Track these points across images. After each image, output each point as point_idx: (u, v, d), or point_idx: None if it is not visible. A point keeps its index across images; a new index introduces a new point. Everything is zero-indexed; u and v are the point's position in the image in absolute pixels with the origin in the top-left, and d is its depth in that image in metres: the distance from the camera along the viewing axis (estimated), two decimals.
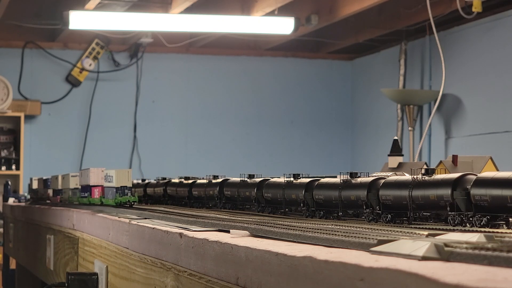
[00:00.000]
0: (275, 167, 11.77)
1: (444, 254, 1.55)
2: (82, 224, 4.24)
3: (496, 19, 9.54)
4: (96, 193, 4.39)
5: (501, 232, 2.04)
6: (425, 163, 3.46)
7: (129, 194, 4.05)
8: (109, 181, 4.20)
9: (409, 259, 1.56)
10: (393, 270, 1.44)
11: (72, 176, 5.06)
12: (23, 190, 10.45)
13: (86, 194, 4.55)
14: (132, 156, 11.76)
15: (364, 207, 2.66)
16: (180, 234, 2.51)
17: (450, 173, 2.49)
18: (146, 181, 4.97)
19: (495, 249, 1.48)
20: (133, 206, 4.06)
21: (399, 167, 3.66)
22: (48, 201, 5.96)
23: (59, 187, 5.50)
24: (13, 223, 7.21)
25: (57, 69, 11.57)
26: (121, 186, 4.07)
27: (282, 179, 3.23)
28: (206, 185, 3.94)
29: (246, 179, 3.58)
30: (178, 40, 11.54)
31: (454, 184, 2.28)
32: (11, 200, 7.92)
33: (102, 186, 4.35)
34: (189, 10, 9.81)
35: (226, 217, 2.97)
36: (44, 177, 6.25)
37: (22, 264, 6.95)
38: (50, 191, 5.92)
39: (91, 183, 4.44)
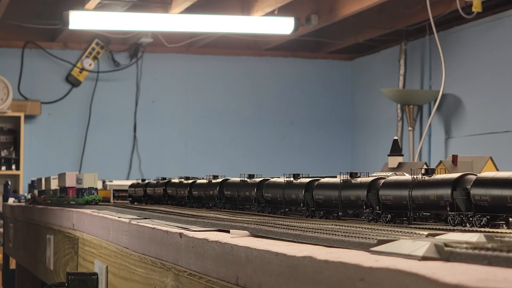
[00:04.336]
0: (275, 167, 11.76)
1: (444, 254, 1.55)
2: (82, 224, 4.25)
3: (496, 19, 9.54)
4: (71, 193, 5.10)
5: (501, 232, 2.04)
6: (425, 163, 3.46)
7: (95, 193, 4.87)
8: (80, 183, 4.95)
9: (409, 259, 1.56)
10: (393, 270, 1.44)
11: (52, 178, 5.78)
12: (23, 190, 10.45)
13: (63, 194, 5.26)
14: (132, 156, 11.76)
15: (364, 207, 2.66)
16: (180, 234, 2.51)
17: (450, 173, 2.49)
18: (146, 181, 4.98)
19: (495, 249, 1.48)
20: (98, 203, 4.82)
21: (399, 167, 3.66)
22: (34, 200, 6.56)
23: (43, 188, 6.14)
24: (13, 223, 7.21)
25: (57, 69, 11.57)
26: (89, 187, 4.88)
27: (282, 179, 3.22)
28: (206, 185, 3.93)
29: (246, 179, 3.58)
30: (178, 40, 11.54)
31: (454, 184, 2.28)
32: (11, 200, 7.92)
33: (75, 187, 5.04)
34: (189, 10, 9.81)
35: (226, 217, 2.96)
36: (31, 179, 6.97)
37: (22, 264, 6.95)
38: (36, 191, 6.53)
39: (67, 185, 5.15)
